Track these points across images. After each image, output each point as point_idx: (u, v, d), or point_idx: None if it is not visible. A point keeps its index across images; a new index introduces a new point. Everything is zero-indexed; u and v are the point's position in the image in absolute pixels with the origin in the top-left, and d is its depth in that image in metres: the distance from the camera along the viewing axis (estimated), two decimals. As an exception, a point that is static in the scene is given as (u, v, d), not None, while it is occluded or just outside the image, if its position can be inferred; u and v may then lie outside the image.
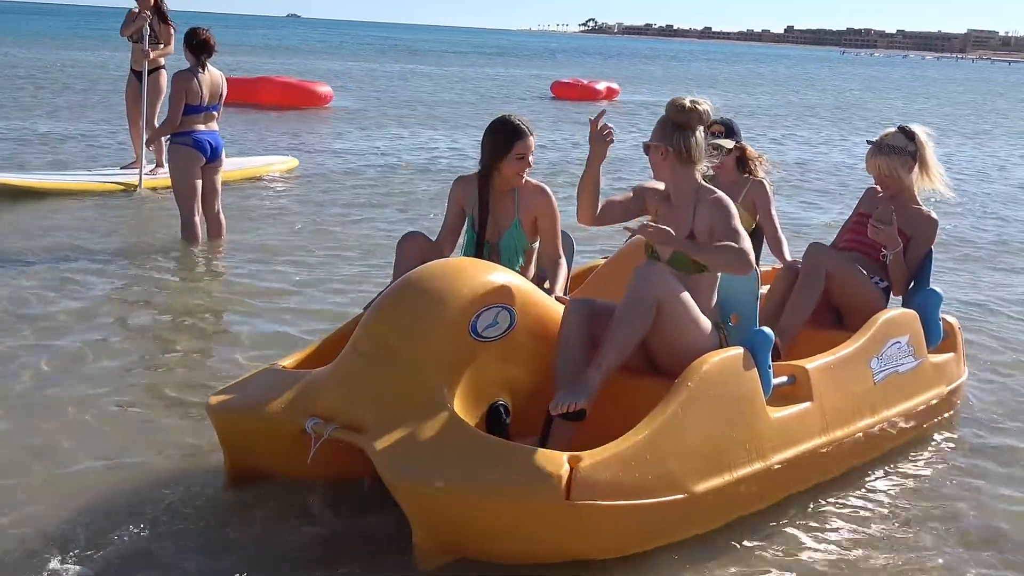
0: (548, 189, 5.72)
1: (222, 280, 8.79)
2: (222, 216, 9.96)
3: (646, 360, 4.92)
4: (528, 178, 5.69)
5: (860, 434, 5.41)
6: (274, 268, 9.15)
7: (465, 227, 5.77)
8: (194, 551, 4.29)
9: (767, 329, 4.95)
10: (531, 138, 5.60)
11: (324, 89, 26.30)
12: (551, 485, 4.03)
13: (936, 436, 6.08)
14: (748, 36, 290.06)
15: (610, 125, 4.94)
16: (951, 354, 6.32)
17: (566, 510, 4.06)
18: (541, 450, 4.21)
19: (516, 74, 48.54)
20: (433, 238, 5.67)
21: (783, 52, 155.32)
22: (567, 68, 56.75)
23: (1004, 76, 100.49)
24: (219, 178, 9.80)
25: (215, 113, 9.66)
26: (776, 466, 4.86)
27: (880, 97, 47.21)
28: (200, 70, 9.54)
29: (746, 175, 6.58)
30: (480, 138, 5.69)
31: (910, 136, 6.20)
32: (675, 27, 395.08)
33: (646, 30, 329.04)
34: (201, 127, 9.55)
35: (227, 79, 9.91)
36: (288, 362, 5.14)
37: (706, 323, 4.86)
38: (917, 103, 43.56)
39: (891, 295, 6.22)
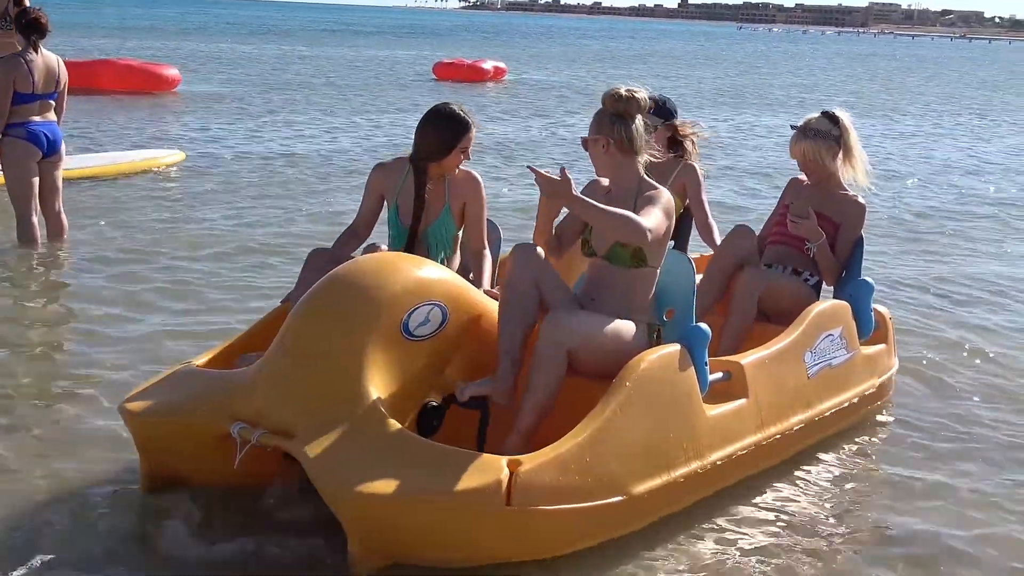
0: (478, 176, 5.84)
1: (62, 287, 8.61)
2: (63, 215, 9.64)
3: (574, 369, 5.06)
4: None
5: (795, 429, 5.66)
6: (122, 271, 8.96)
7: (388, 218, 5.88)
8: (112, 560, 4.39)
9: (704, 325, 5.15)
10: (472, 131, 5.71)
11: (171, 72, 25.46)
12: (491, 491, 4.17)
13: (864, 430, 6.36)
14: (640, 11, 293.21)
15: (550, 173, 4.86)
16: (882, 345, 6.61)
17: (506, 516, 4.22)
18: (480, 455, 4.35)
19: (395, 55, 48.46)
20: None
21: (677, 28, 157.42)
22: (449, 48, 56.86)
23: (908, 50, 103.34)
24: (59, 174, 9.49)
25: (51, 102, 9.29)
26: (713, 464, 5.06)
27: (779, 74, 48.26)
28: (31, 53, 9.14)
29: (678, 157, 6.69)
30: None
31: (834, 120, 6.44)
32: (562, 2, 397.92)
33: (532, 6, 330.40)
34: (36, 118, 9.21)
35: (64, 63, 9.46)
36: (202, 361, 5.21)
37: (628, 328, 5.01)
38: (824, 79, 44.63)
39: (824, 286, 6.48)
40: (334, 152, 16.84)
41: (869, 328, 6.44)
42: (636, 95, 5.10)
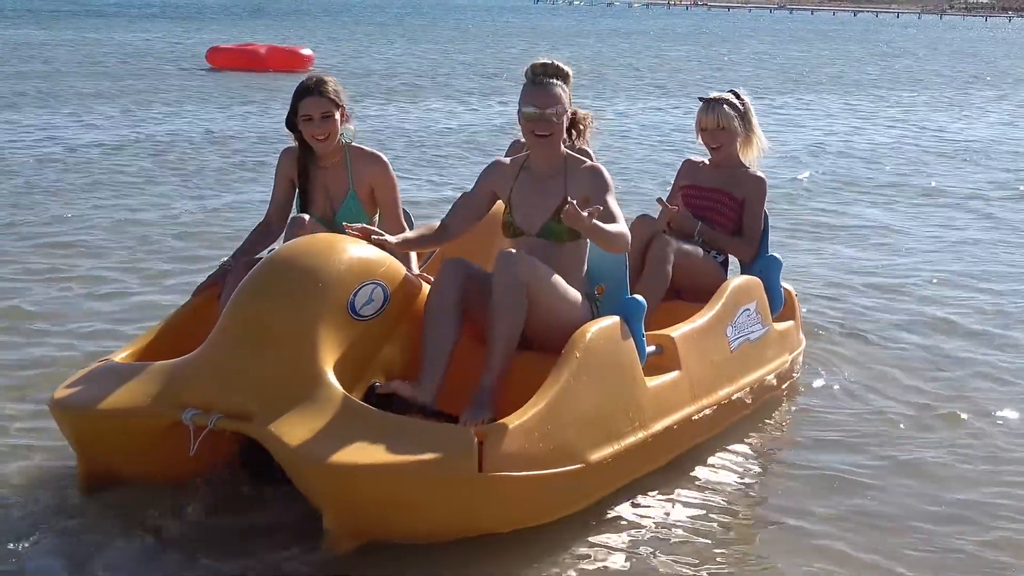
0: (382, 156, 6.48)
1: None
2: None
3: (522, 339, 5.82)
4: (362, 145, 6.47)
5: (723, 402, 6.55)
6: None
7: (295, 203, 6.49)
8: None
9: (639, 297, 5.98)
10: (317, 97, 6.26)
11: None
12: (464, 458, 4.90)
13: (776, 406, 7.31)
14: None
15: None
16: (791, 322, 7.59)
17: (479, 482, 4.94)
18: (447, 425, 5.10)
19: (150, 40, 47.92)
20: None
21: (469, 1, 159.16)
22: (220, 30, 56.55)
23: (714, 22, 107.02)
24: None
25: None
26: (655, 434, 5.89)
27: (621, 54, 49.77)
28: None
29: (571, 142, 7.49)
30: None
31: (738, 97, 7.40)
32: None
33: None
34: None
35: None
36: (123, 355, 5.78)
37: (576, 296, 5.82)
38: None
39: (742, 263, 7.42)
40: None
41: (780, 303, 7.38)
42: (563, 67, 5.86)
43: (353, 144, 6.50)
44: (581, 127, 6.86)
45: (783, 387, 7.44)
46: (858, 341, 8.73)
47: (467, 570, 5.08)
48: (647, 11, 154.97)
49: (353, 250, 5.51)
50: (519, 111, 5.84)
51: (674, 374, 6.17)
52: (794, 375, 7.64)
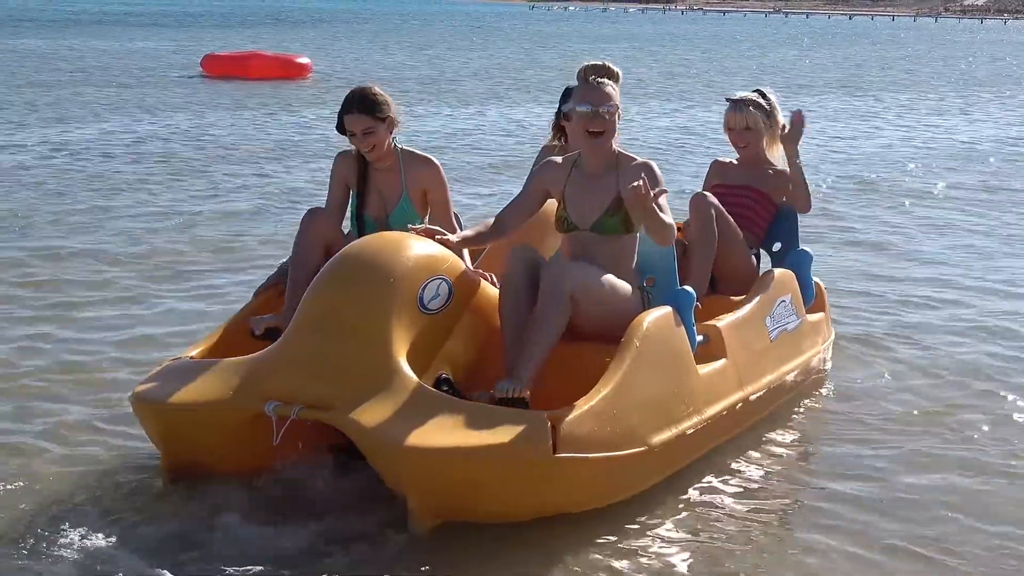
0: (435, 160, 6.78)
1: None
2: None
3: (576, 331, 6.08)
4: (413, 149, 6.76)
5: (765, 389, 6.85)
6: None
7: (351, 206, 6.78)
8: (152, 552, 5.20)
9: (689, 288, 6.26)
10: (357, 115, 6.52)
11: None
12: (539, 441, 5.20)
13: (809, 397, 7.61)
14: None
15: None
16: (821, 314, 7.89)
17: (553, 464, 5.25)
18: (520, 410, 5.39)
19: (143, 47, 48.04)
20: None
21: (464, 8, 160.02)
22: (212, 38, 56.79)
23: (718, 28, 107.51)
24: None
25: None
26: (707, 419, 6.20)
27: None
28: None
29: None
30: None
31: (764, 96, 7.68)
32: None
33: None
34: None
35: None
36: (193, 353, 6.08)
37: (627, 288, 6.12)
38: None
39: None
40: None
41: (811, 295, 7.68)
42: (614, 67, 6.20)
43: (405, 148, 6.77)
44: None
45: (817, 376, 7.72)
46: (888, 341, 8.97)
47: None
48: (643, 15, 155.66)
49: (420, 247, 5.82)
50: (572, 110, 6.17)
51: (721, 362, 6.46)
52: (825, 365, 7.92)
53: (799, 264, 7.61)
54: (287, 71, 34.08)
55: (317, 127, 21.65)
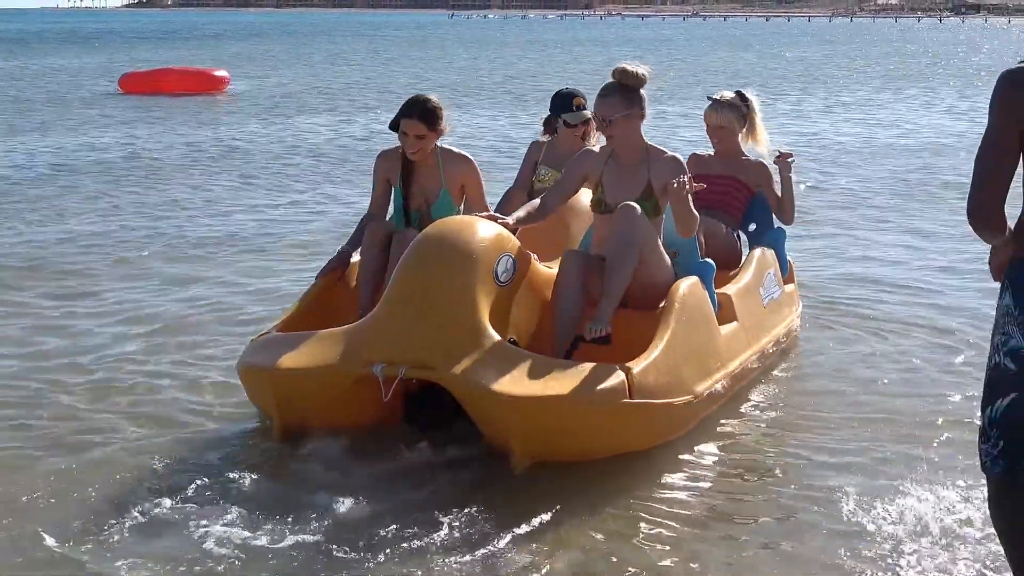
0: (469, 156, 7.81)
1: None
2: None
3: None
4: (451, 148, 7.78)
5: (765, 348, 8.01)
6: None
7: (393, 198, 7.83)
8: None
9: (710, 260, 7.41)
10: (415, 121, 7.53)
11: None
12: (618, 388, 6.30)
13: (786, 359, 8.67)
14: (340, 2, 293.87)
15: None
16: (792, 285, 9.07)
17: (629, 408, 6.35)
18: (596, 364, 6.44)
19: (57, 65, 48.06)
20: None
21: (385, 19, 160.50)
22: (123, 56, 56.93)
23: (636, 32, 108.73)
24: None
25: None
26: (729, 373, 7.34)
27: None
28: None
29: (585, 143, 8.86)
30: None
31: (744, 99, 8.81)
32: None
33: (208, 1, 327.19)
34: None
35: None
36: (276, 328, 7.14)
37: (667, 258, 7.23)
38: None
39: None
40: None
41: (786, 268, 8.86)
42: (640, 70, 7.23)
43: (443, 147, 7.75)
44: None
45: (792, 336, 8.80)
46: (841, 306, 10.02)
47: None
48: (562, 22, 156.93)
49: (490, 228, 6.86)
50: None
51: (734, 324, 7.60)
52: (797, 328, 8.99)
53: (776, 241, 8.72)
54: (204, 85, 34.50)
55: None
